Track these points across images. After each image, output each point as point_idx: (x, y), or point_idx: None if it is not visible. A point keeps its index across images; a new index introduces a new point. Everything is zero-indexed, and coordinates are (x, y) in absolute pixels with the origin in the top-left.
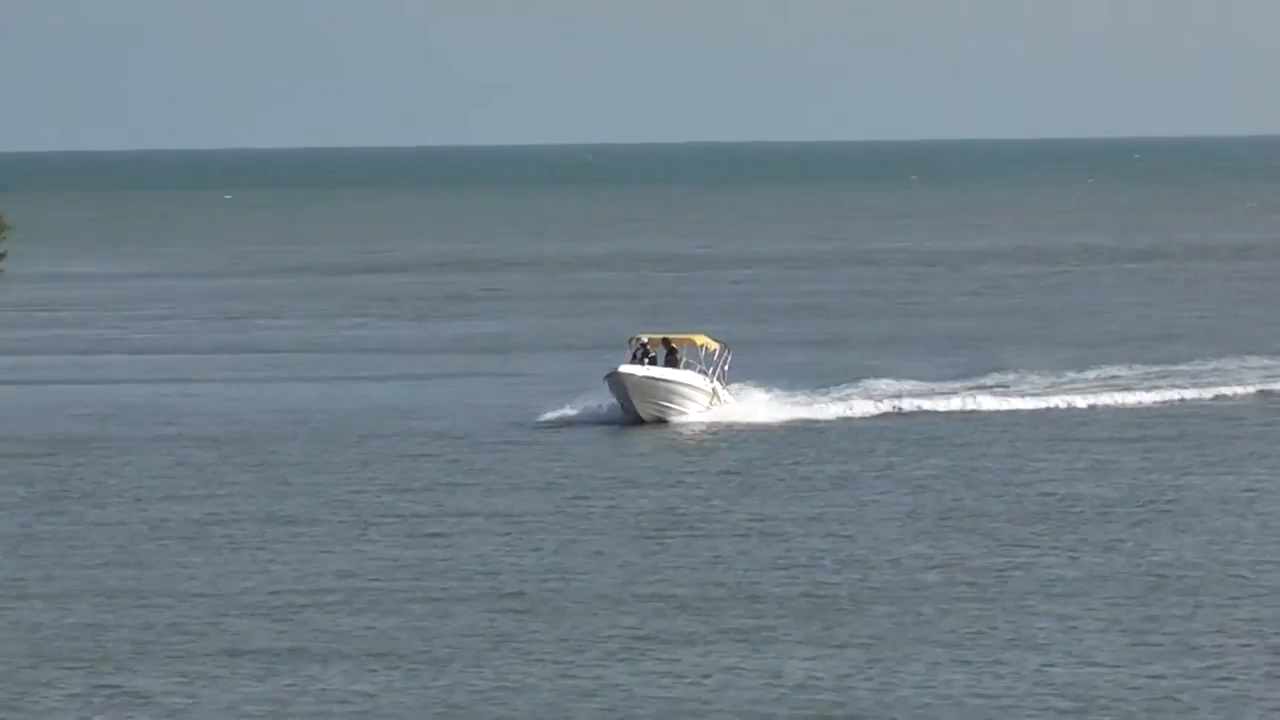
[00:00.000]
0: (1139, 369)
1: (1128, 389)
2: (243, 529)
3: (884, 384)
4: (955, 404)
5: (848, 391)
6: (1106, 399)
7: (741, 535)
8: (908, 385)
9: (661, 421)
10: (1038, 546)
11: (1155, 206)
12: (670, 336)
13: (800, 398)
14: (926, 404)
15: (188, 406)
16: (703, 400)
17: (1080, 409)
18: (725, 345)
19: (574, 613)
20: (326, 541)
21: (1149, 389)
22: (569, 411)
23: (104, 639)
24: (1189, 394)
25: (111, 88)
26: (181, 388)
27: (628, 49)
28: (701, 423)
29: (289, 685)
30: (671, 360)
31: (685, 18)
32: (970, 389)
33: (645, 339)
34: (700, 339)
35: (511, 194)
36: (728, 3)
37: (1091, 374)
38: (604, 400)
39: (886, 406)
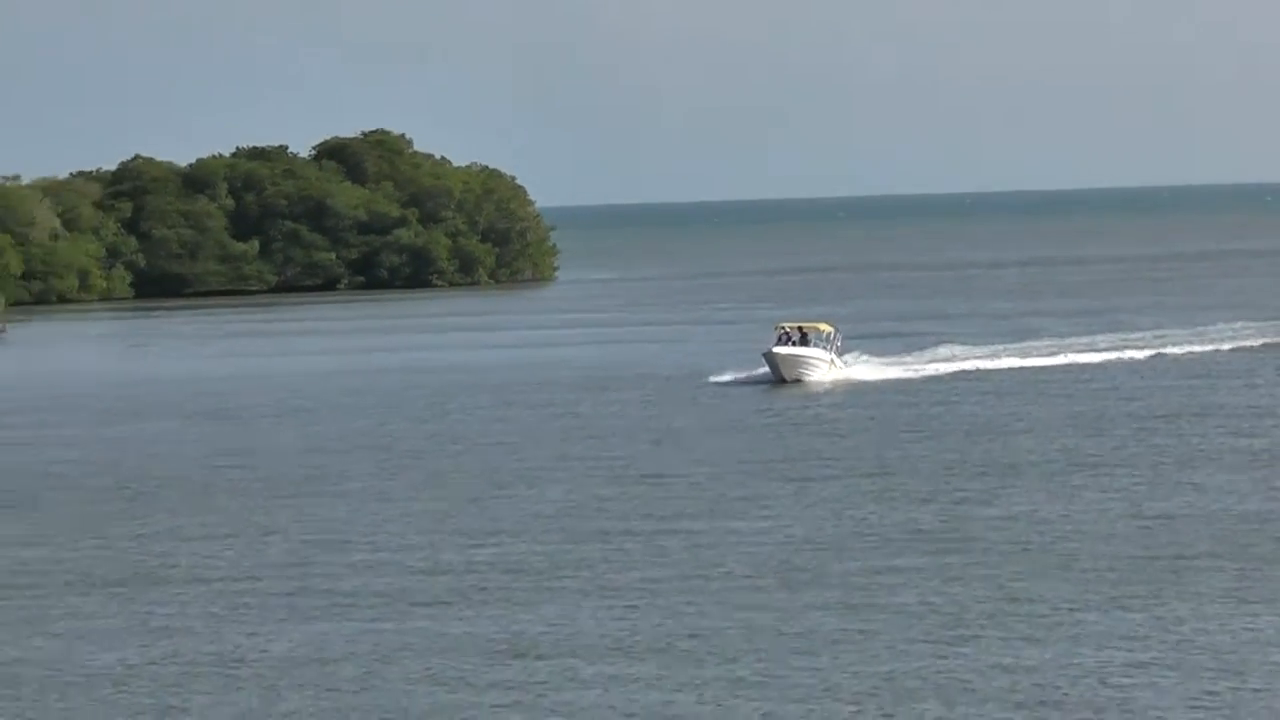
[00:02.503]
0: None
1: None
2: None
3: (953, 349)
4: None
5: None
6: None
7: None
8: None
9: (799, 382)
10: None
11: None
12: (802, 324)
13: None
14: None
15: (634, 358)
16: (825, 367)
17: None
18: (837, 328)
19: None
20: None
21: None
22: (738, 375)
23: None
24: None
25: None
26: (636, 347)
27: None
28: (825, 382)
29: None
30: (804, 340)
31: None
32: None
33: (787, 326)
34: (823, 325)
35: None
36: None
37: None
38: (759, 368)
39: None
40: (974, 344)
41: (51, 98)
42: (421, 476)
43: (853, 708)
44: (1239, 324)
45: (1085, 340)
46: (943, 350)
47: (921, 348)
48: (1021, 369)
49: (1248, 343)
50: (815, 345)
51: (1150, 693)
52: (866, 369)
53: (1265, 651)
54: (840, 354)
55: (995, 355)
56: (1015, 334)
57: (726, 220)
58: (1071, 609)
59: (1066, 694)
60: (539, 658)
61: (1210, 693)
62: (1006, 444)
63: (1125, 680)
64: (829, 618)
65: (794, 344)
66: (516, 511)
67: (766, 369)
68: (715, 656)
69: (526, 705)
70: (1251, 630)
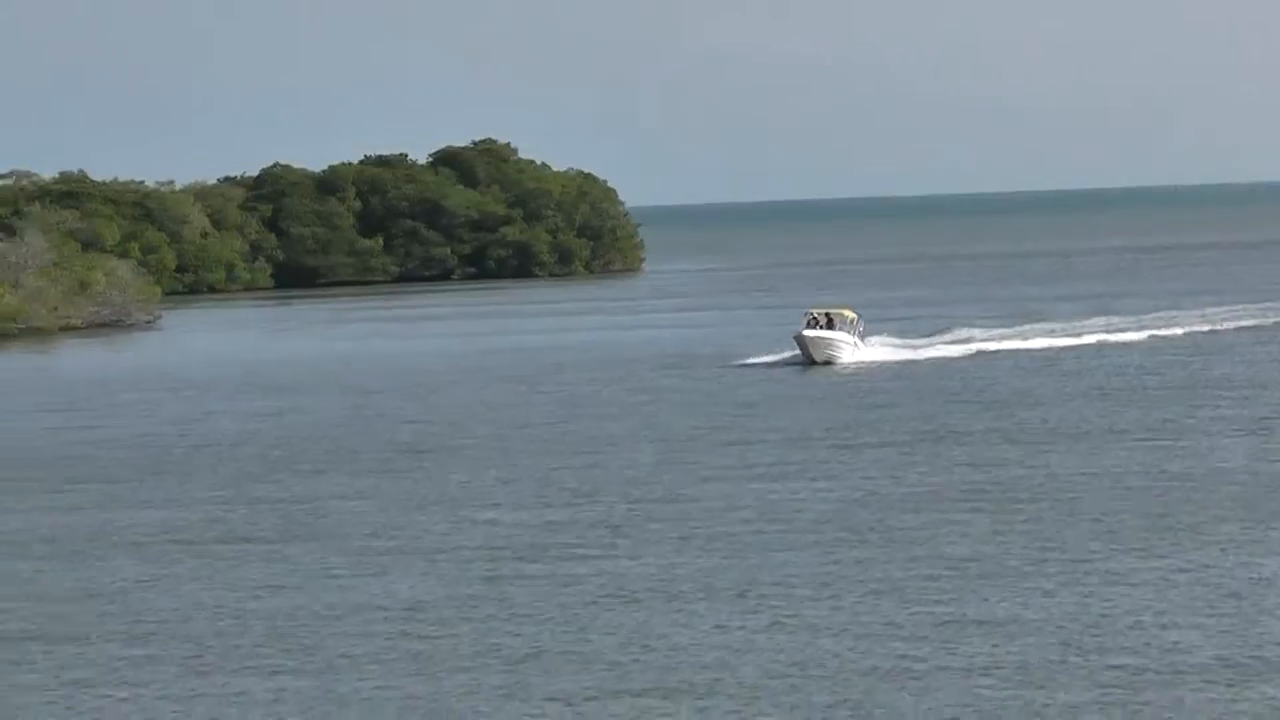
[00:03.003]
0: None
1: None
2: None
3: (967, 331)
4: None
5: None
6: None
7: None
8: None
9: (828, 363)
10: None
11: None
12: (829, 310)
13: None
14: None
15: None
16: (850, 349)
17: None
18: (859, 314)
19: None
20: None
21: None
22: (773, 357)
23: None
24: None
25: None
26: (699, 330)
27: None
28: (851, 363)
29: None
30: (830, 325)
31: None
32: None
33: (815, 312)
34: (847, 311)
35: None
36: None
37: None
38: (791, 350)
39: (972, 349)
40: (990, 326)
41: (200, 110)
42: (528, 443)
43: (915, 645)
44: (1240, 306)
45: (1099, 321)
46: (960, 332)
47: (940, 330)
48: (1036, 349)
49: (1252, 322)
50: (840, 329)
51: (1175, 632)
52: (889, 350)
53: (1275, 592)
54: (863, 337)
55: (1013, 337)
56: (1028, 317)
57: (797, 217)
58: (1105, 556)
59: (1103, 631)
60: (637, 600)
61: (1227, 629)
62: (1034, 413)
63: (1153, 619)
64: (891, 566)
65: (821, 328)
66: (612, 473)
67: (797, 351)
68: (792, 600)
69: (630, 642)
70: (1262, 574)
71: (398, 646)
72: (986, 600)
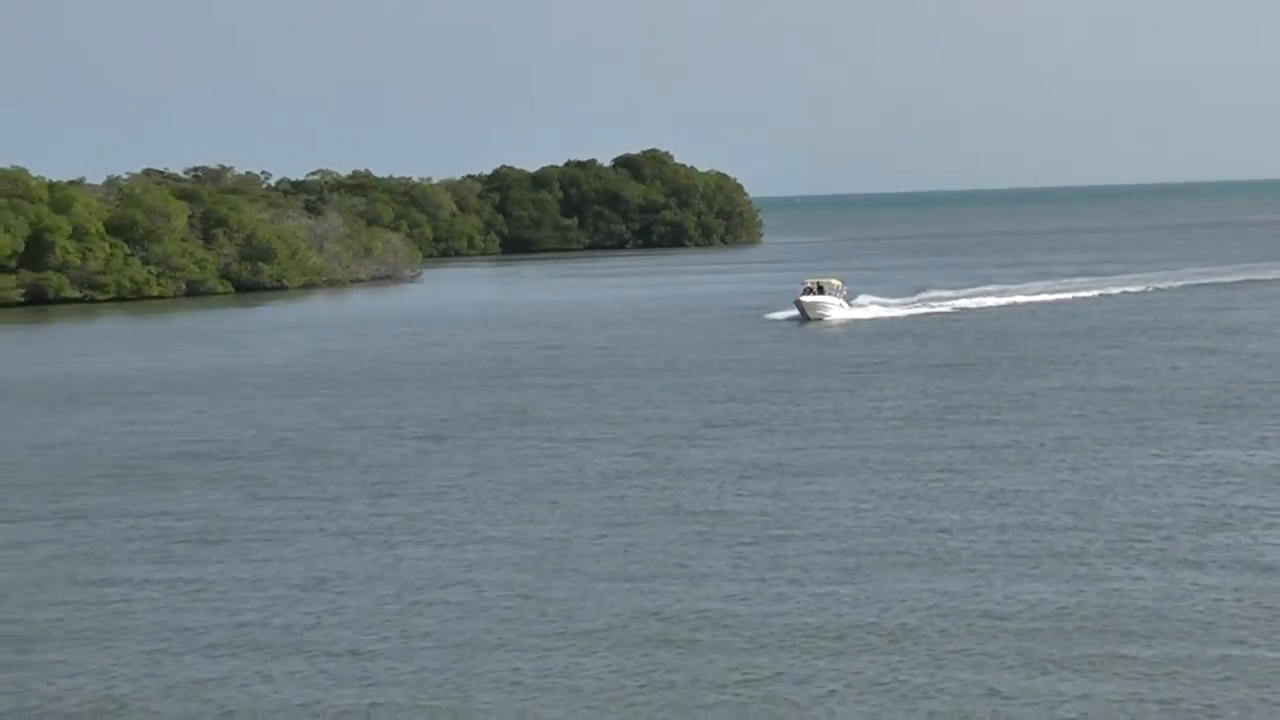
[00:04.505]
0: None
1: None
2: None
3: (937, 292)
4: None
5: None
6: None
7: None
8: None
9: (820, 319)
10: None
11: None
12: (819, 280)
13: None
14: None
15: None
16: (836, 309)
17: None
18: (844, 281)
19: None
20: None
21: None
22: (782, 314)
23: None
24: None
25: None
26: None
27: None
28: (838, 319)
29: None
30: (822, 290)
31: None
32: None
33: (810, 281)
34: (835, 280)
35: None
36: None
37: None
38: (791, 310)
39: (945, 307)
40: (957, 287)
41: (451, 127)
42: (681, 361)
43: (965, 508)
44: (1204, 268)
45: (1041, 284)
46: (929, 293)
47: (914, 291)
48: (1000, 306)
49: (1226, 279)
50: (829, 294)
51: (1164, 498)
52: (874, 309)
53: (1227, 470)
54: (849, 299)
55: (973, 296)
56: (995, 279)
57: (893, 206)
58: (1103, 444)
59: (1104, 499)
60: (771, 473)
61: (1206, 497)
62: (1024, 348)
63: (1144, 494)
64: (950, 453)
65: (815, 294)
66: (738, 385)
67: (796, 311)
68: (882, 475)
69: (769, 504)
70: (1219, 458)
71: (605, 505)
72: (1021, 475)
